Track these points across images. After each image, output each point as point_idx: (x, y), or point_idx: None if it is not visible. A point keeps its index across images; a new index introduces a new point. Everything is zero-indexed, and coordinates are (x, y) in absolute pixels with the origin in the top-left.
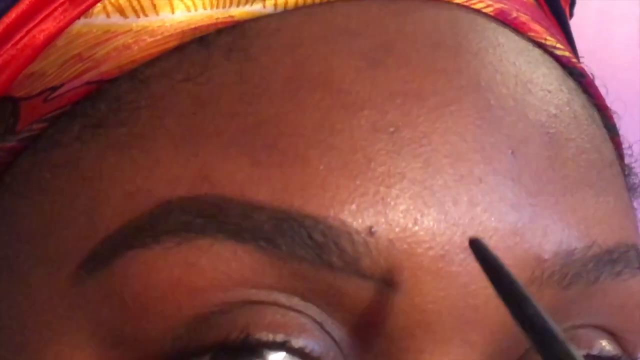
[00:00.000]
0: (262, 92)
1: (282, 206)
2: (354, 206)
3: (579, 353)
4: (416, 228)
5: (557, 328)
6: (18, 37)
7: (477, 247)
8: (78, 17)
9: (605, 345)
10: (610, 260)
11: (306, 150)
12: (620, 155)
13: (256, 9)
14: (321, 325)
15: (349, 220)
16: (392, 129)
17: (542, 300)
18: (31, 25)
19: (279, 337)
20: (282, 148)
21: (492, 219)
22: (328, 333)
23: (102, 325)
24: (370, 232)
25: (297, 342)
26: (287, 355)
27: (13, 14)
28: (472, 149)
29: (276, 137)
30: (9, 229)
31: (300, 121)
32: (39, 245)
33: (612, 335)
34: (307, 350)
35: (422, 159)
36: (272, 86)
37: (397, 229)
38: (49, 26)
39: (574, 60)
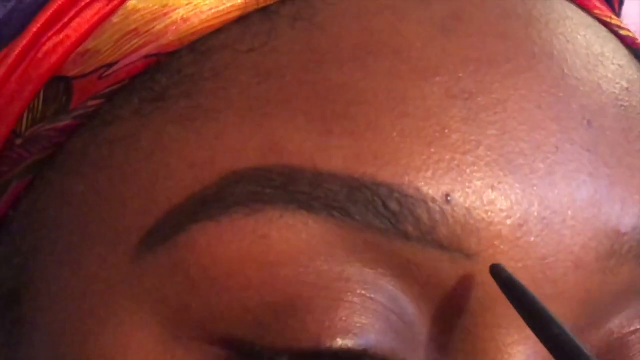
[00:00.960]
0: (330, 59)
1: (354, 174)
2: (429, 173)
3: None
4: (493, 196)
5: (584, 346)
6: (70, 15)
7: (497, 272)
8: None
9: None
10: None
11: (378, 117)
12: None
13: None
14: (393, 309)
15: (425, 187)
16: (465, 95)
17: (619, 276)
18: (83, 3)
19: (356, 344)
20: (353, 115)
21: (570, 188)
22: (401, 313)
23: (165, 301)
24: (447, 199)
25: (375, 348)
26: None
27: None
28: (548, 117)
29: (346, 104)
30: (60, 210)
31: (370, 88)
32: (94, 224)
33: None
34: (387, 354)
35: (498, 126)
36: (340, 53)
37: (473, 197)
38: (102, 3)
39: (638, 41)
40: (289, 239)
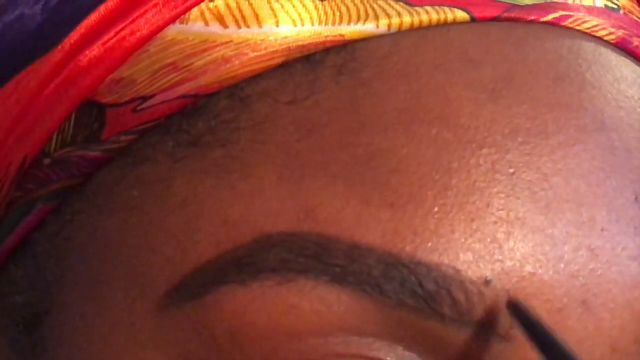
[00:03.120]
0: (374, 122)
1: (392, 250)
2: (469, 253)
3: None
4: (534, 279)
5: None
6: (107, 36)
7: (516, 310)
8: (173, 20)
9: None
10: None
11: (420, 189)
12: None
13: (368, 28)
14: None
15: (464, 268)
16: (512, 170)
17: None
18: (122, 25)
19: None
20: (395, 186)
21: (613, 269)
22: None
23: (189, 358)
24: (486, 281)
25: None
26: None
27: (102, 10)
28: (595, 194)
29: (388, 173)
30: (88, 243)
31: (414, 157)
32: (122, 266)
33: None
34: None
35: (543, 203)
36: (384, 116)
37: (514, 279)
38: (141, 28)
39: None
40: (320, 312)
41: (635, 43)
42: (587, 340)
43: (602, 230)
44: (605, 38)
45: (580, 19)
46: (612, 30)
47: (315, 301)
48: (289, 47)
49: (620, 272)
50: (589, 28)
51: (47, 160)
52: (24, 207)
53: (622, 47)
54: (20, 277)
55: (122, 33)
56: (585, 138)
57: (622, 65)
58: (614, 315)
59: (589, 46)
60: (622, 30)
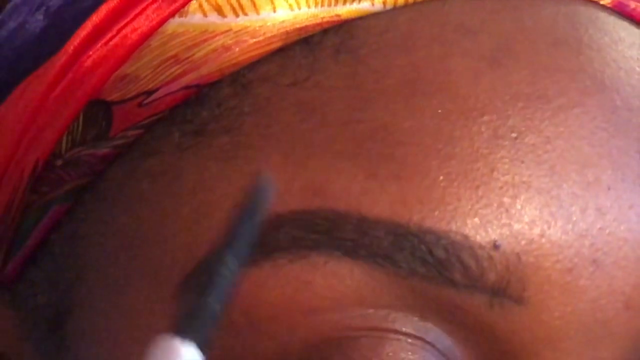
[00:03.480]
0: (375, 97)
1: (400, 221)
2: (477, 219)
3: None
4: (543, 240)
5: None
6: (109, 35)
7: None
8: (172, 15)
9: None
10: None
11: (424, 160)
12: None
13: (364, 6)
14: (440, 350)
15: (472, 234)
16: (514, 135)
17: None
18: (122, 23)
19: None
20: (399, 158)
21: (622, 228)
22: (449, 356)
23: (208, 343)
24: (495, 246)
25: None
26: None
27: (103, 11)
28: (599, 154)
29: (392, 146)
30: (103, 240)
31: (417, 129)
32: (138, 259)
33: None
34: None
35: (547, 166)
36: (385, 91)
37: (523, 242)
38: (142, 24)
39: None
40: (334, 286)
41: (632, 6)
42: (600, 299)
43: (608, 189)
44: (602, 2)
45: None
46: None
47: (329, 276)
48: (287, 31)
49: (629, 230)
50: None
51: (59, 162)
52: (40, 210)
53: (618, 10)
54: (41, 279)
55: (124, 31)
56: (586, 100)
57: (619, 27)
58: (627, 273)
59: (585, 10)
60: None
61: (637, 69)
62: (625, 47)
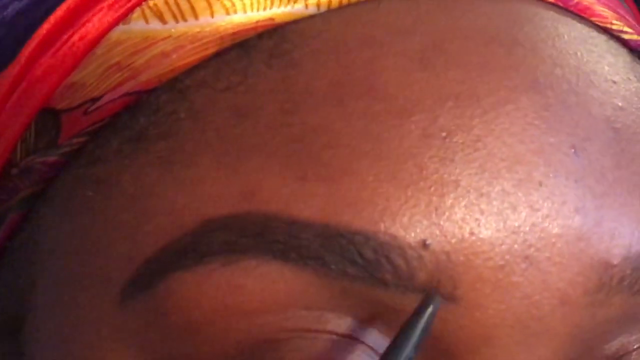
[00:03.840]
0: (306, 100)
1: (329, 223)
2: (405, 219)
3: None
4: (473, 238)
5: None
6: (58, 44)
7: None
8: (117, 22)
9: None
10: None
11: (353, 161)
12: None
13: (298, 9)
14: (375, 350)
15: (401, 234)
16: (444, 134)
17: (611, 307)
18: (70, 32)
19: None
20: (328, 160)
21: (555, 224)
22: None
23: (149, 349)
24: (425, 245)
25: None
26: None
27: (51, 20)
28: (531, 151)
29: (321, 148)
30: (52, 247)
31: (345, 130)
32: (86, 264)
33: None
34: None
35: (477, 164)
36: (315, 94)
37: (453, 240)
38: (89, 32)
39: None
40: (266, 289)
41: (576, 0)
42: (534, 295)
43: (540, 185)
44: None
45: None
46: None
47: (260, 279)
48: (221, 36)
49: (562, 226)
50: None
51: (14, 170)
52: None
53: (561, 5)
54: (0, 286)
55: (72, 39)
56: (516, 97)
57: (558, 23)
58: (561, 269)
59: (522, 7)
60: None
61: (575, 64)
62: (563, 43)
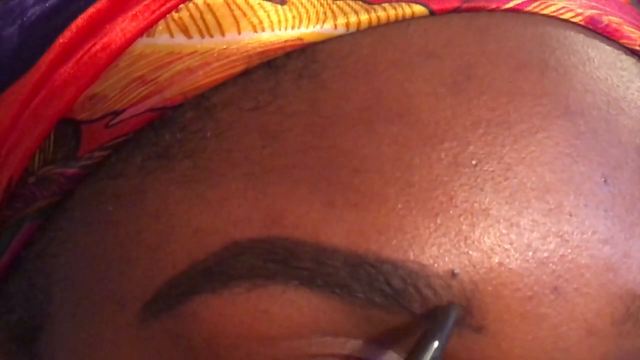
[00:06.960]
0: (335, 123)
1: (358, 250)
2: (434, 248)
3: None
4: (502, 269)
5: None
6: (80, 53)
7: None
8: (141, 33)
9: None
10: None
11: (383, 187)
12: None
13: (327, 30)
14: None
15: (430, 263)
16: (474, 162)
17: (638, 338)
18: (92, 41)
19: None
20: (357, 186)
21: (584, 255)
22: None
23: None
24: (453, 274)
25: None
26: None
27: (73, 28)
28: (561, 180)
29: (350, 174)
30: (70, 259)
31: (375, 156)
32: (103, 280)
33: None
34: None
35: (507, 193)
36: (345, 117)
37: (481, 271)
38: (111, 43)
39: None
40: (291, 315)
41: (605, 22)
42: (561, 326)
43: (570, 215)
44: (572, 20)
45: (545, 2)
46: (580, 11)
47: (286, 305)
48: (249, 55)
49: (591, 257)
50: (554, 11)
51: (32, 179)
52: (14, 226)
53: (590, 28)
54: (14, 295)
55: (94, 49)
56: (548, 125)
57: (589, 47)
58: (589, 300)
59: (553, 31)
60: (592, 10)
61: (605, 90)
62: (593, 68)
